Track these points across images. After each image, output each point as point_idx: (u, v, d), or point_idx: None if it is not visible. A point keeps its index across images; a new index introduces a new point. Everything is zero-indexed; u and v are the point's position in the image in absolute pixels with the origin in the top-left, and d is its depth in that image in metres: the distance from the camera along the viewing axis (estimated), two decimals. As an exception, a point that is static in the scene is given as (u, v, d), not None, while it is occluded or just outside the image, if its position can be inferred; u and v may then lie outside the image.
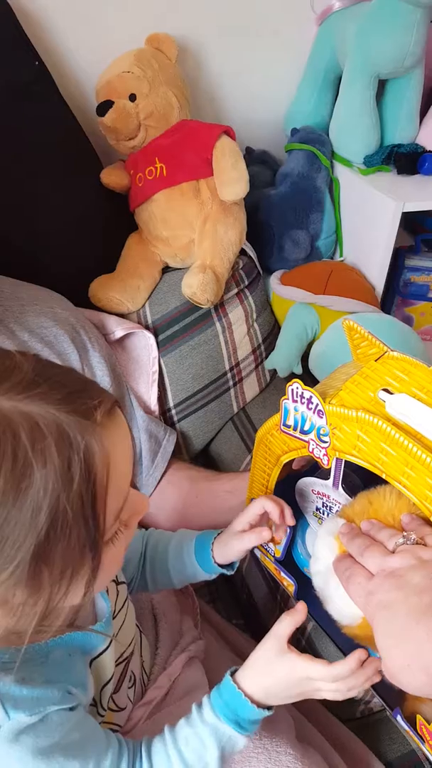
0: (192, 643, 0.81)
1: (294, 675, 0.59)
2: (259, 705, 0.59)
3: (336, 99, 1.22)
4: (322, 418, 0.56)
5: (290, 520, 0.67)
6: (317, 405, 0.56)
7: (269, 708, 0.60)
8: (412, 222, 1.46)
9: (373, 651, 0.62)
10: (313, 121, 1.27)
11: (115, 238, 1.12)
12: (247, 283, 1.13)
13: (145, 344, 1.06)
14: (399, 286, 1.33)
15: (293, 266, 1.23)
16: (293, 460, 0.66)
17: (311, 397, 0.56)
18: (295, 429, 0.60)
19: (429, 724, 0.56)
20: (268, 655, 0.60)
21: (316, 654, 0.88)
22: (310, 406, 0.56)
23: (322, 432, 0.56)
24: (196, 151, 1.04)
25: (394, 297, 1.34)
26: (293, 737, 0.75)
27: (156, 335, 1.07)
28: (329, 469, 0.62)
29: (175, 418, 1.11)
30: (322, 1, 1.20)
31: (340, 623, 0.60)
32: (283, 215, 1.22)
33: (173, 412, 1.10)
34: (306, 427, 0.58)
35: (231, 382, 1.13)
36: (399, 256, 1.32)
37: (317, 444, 0.58)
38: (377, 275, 1.17)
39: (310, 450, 0.59)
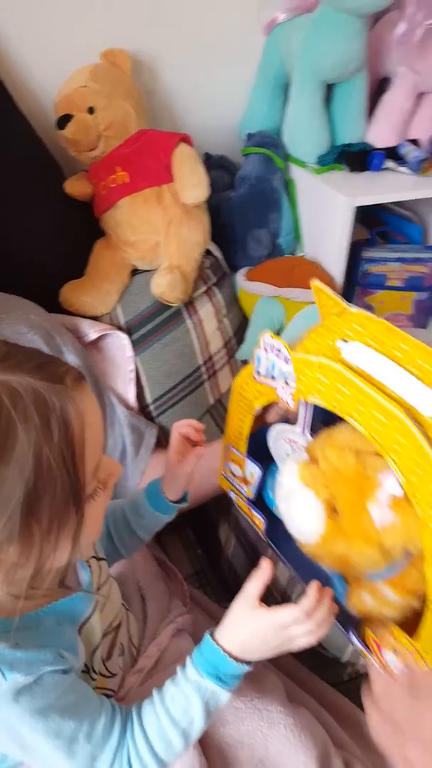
0: (179, 617, 0.85)
1: (268, 627, 0.64)
2: (238, 660, 0.64)
3: (287, 103, 1.28)
4: (288, 364, 0.62)
5: (200, 426, 0.76)
6: (285, 353, 0.63)
7: (248, 663, 0.64)
8: (368, 216, 1.53)
9: (331, 570, 0.69)
10: (266, 126, 1.33)
11: (82, 244, 1.17)
12: (214, 280, 1.19)
13: (119, 344, 1.10)
14: (358, 277, 1.39)
15: (257, 263, 1.28)
16: (269, 414, 0.73)
17: (280, 346, 0.63)
18: (265, 376, 0.67)
19: (376, 637, 0.64)
20: (240, 613, 0.65)
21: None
22: (279, 354, 0.63)
23: (288, 377, 0.63)
24: (156, 159, 1.09)
25: (354, 288, 1.40)
26: (284, 698, 0.80)
27: (130, 335, 1.11)
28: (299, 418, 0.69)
29: (154, 414, 1.15)
30: (267, 12, 1.26)
31: (301, 542, 0.66)
32: (244, 216, 1.28)
33: (152, 408, 1.14)
34: (275, 374, 0.65)
35: (205, 376, 1.18)
36: (356, 249, 1.39)
37: (284, 388, 0.65)
38: (336, 267, 1.23)
39: (278, 394, 0.66)
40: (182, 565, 1.14)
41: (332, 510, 0.62)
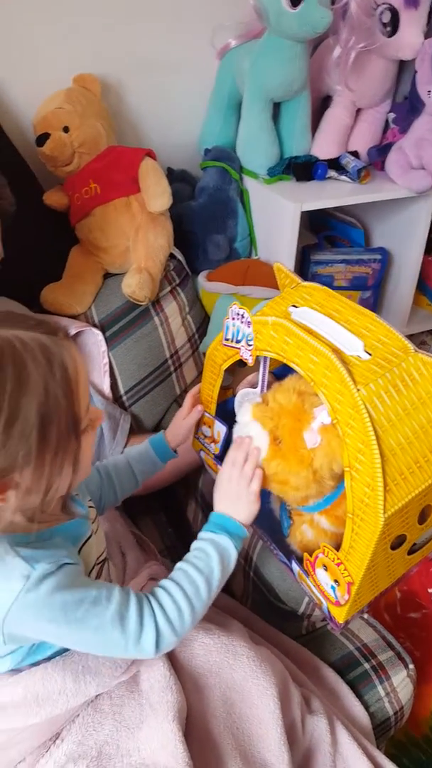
0: (155, 565, 0.98)
1: (224, 478, 0.80)
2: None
3: (239, 121, 1.42)
4: (249, 327, 0.76)
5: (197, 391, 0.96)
6: (247, 318, 0.76)
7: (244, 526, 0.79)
8: (315, 224, 1.68)
9: (278, 507, 0.85)
10: (222, 141, 1.46)
11: (59, 251, 1.28)
12: (178, 281, 1.31)
13: (94, 340, 1.20)
14: (308, 279, 1.51)
15: (216, 265, 1.41)
16: (236, 385, 0.88)
17: (244, 313, 0.77)
18: (232, 340, 0.81)
19: (311, 557, 0.77)
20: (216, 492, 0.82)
21: (260, 576, 1.06)
22: (243, 320, 0.77)
23: (249, 338, 0.77)
24: (124, 172, 1.22)
25: (306, 287, 1.54)
26: (247, 638, 0.91)
27: (103, 332, 1.22)
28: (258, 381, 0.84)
29: (127, 404, 1.26)
30: (221, 39, 1.40)
31: None
32: (204, 223, 1.41)
33: (124, 398, 1.25)
34: (239, 337, 0.79)
35: (172, 368, 1.30)
36: (306, 253, 1.53)
37: (246, 347, 0.78)
38: (287, 267, 1.36)
39: (241, 354, 0.80)
40: (155, 542, 1.25)
41: (275, 439, 0.77)
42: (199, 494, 1.23)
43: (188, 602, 0.71)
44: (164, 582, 0.73)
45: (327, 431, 0.71)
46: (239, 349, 0.80)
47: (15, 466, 0.60)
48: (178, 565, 0.75)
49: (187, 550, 1.27)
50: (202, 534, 0.78)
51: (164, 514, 1.35)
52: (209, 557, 0.75)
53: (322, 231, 1.64)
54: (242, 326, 0.78)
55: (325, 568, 0.76)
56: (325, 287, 0.79)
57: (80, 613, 0.65)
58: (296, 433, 0.75)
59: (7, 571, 0.64)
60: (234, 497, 0.80)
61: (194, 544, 0.78)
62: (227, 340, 0.82)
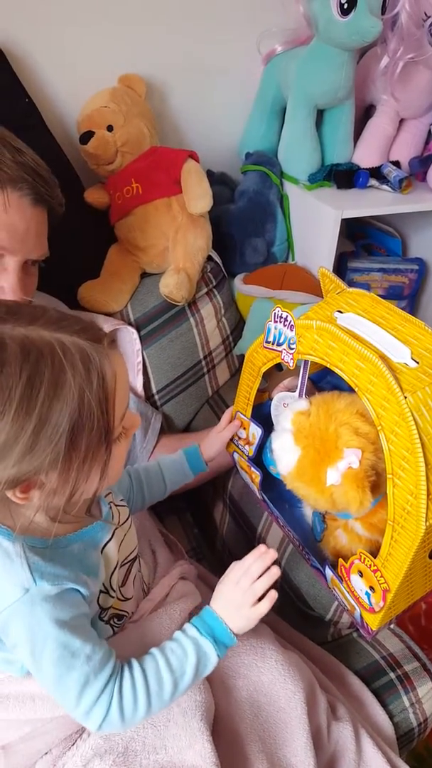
0: (185, 564, 0.98)
1: (228, 585, 0.75)
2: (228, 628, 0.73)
3: (282, 126, 1.42)
4: (292, 330, 0.75)
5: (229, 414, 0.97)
6: (290, 321, 0.75)
7: (235, 636, 0.74)
8: (353, 232, 1.68)
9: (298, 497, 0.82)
10: (263, 146, 1.46)
11: (97, 249, 1.29)
12: (215, 283, 1.31)
13: (129, 339, 1.22)
14: (344, 285, 1.52)
15: (253, 269, 1.41)
16: (272, 388, 0.87)
17: (287, 316, 0.76)
18: (273, 343, 0.80)
19: (346, 563, 0.77)
20: (219, 587, 0.76)
21: (289, 581, 1.05)
22: (286, 323, 0.76)
23: (291, 341, 0.76)
24: (166, 173, 1.22)
25: (341, 294, 1.53)
26: (275, 641, 0.91)
27: (138, 330, 1.22)
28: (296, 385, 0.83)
29: (159, 403, 1.26)
30: (267, 44, 1.40)
31: (280, 472, 0.80)
32: (243, 226, 1.41)
33: (156, 397, 1.26)
34: (281, 340, 0.78)
35: (205, 369, 1.30)
36: (342, 260, 1.52)
37: (287, 351, 0.78)
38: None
39: (282, 357, 0.79)
40: (181, 542, 1.25)
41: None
42: (228, 496, 1.23)
43: (147, 699, 0.67)
44: (134, 665, 0.68)
45: (348, 478, 0.70)
46: (280, 352, 0.80)
47: (41, 469, 0.60)
48: (153, 650, 0.71)
49: (213, 551, 1.29)
50: (188, 627, 0.73)
51: (191, 515, 1.36)
52: (186, 658, 0.70)
53: (358, 239, 1.64)
54: (285, 329, 0.78)
55: (361, 574, 0.75)
56: (371, 294, 0.78)
57: (56, 654, 0.63)
58: (321, 466, 0.74)
59: (13, 573, 0.64)
60: (235, 606, 0.74)
61: (177, 635, 0.72)
62: (268, 342, 0.82)
